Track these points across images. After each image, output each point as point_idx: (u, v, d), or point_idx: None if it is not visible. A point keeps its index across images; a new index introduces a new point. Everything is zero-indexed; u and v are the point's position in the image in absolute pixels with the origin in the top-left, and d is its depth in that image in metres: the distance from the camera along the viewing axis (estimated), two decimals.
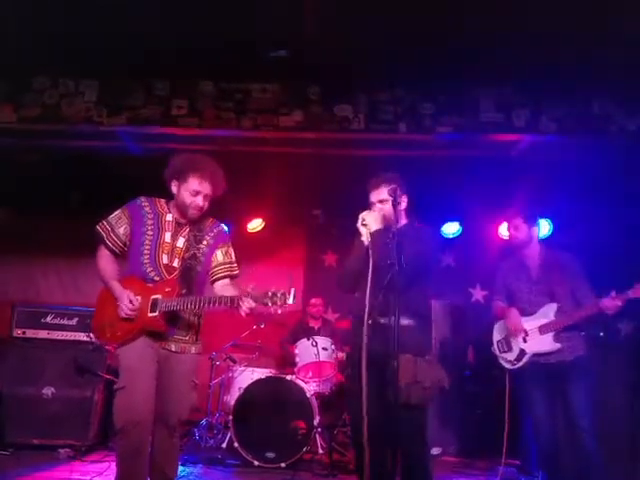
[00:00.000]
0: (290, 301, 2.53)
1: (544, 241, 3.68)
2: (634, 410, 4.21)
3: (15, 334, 4.63)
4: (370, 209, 2.88)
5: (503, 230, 5.89)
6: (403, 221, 2.93)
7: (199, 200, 2.81)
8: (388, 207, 2.83)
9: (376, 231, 2.72)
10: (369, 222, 2.74)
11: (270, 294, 2.53)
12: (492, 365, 3.77)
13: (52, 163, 5.06)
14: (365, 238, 2.72)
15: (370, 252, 2.61)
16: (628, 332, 4.93)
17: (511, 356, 3.56)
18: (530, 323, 3.46)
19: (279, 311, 2.55)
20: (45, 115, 4.41)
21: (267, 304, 2.54)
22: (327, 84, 4.39)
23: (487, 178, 4.88)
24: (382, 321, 2.62)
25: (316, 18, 3.51)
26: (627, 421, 4.13)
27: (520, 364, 3.50)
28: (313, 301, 5.60)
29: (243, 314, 2.60)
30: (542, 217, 3.72)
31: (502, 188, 4.99)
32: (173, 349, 2.78)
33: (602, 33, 3.56)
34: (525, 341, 3.47)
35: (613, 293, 3.21)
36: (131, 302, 2.68)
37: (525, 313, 3.51)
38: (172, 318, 2.76)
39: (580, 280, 3.44)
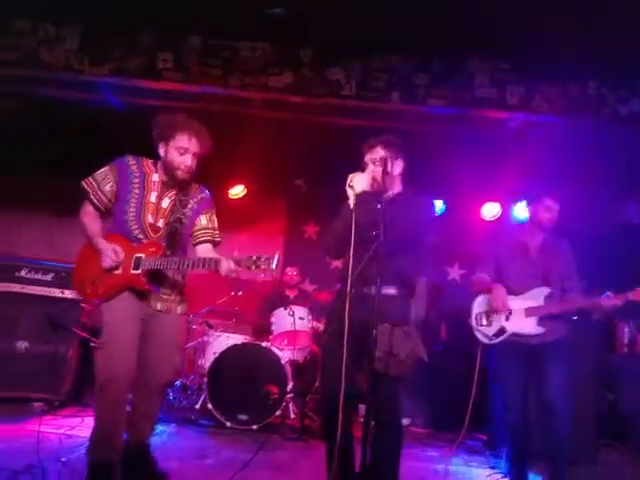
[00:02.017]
0: (273, 266, 2.52)
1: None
2: (600, 388, 4.32)
3: None
4: (363, 171, 2.67)
5: (485, 211, 5.88)
6: (397, 188, 2.76)
7: (187, 159, 2.75)
8: (380, 170, 2.61)
9: (361, 193, 2.52)
10: (355, 184, 2.52)
11: (254, 258, 2.54)
12: (465, 342, 3.74)
13: (32, 114, 4.84)
14: (351, 201, 2.53)
15: (353, 215, 2.46)
16: (599, 317, 5.05)
17: (489, 331, 3.42)
18: (516, 302, 3.31)
19: (262, 275, 2.56)
20: (23, 60, 4.21)
21: (250, 268, 2.55)
22: (320, 47, 4.23)
23: (475, 156, 4.79)
24: (365, 290, 2.53)
25: None
26: (594, 398, 4.23)
27: (497, 340, 3.38)
28: (287, 270, 5.62)
29: (223, 274, 2.63)
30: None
31: (489, 168, 4.93)
32: (159, 308, 2.77)
33: (604, 17, 3.50)
34: (507, 319, 3.33)
35: (610, 293, 3.11)
36: (116, 253, 2.66)
37: (512, 292, 3.34)
38: (155, 277, 2.73)
39: (572, 269, 3.35)
